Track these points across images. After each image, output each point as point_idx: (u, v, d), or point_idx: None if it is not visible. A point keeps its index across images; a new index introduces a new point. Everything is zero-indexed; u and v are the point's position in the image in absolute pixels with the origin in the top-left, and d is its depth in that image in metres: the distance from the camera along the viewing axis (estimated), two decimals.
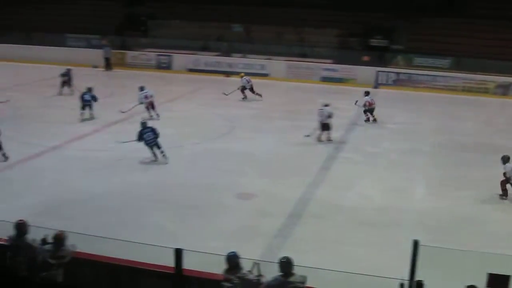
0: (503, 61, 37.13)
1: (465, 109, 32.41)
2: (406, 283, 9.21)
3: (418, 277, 9.20)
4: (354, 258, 13.26)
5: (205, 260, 10.21)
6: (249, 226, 15.37)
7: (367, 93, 28.22)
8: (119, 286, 10.75)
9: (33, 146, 21.91)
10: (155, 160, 20.87)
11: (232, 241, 13.76)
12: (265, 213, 16.25)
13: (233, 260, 9.65)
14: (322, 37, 43.91)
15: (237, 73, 36.06)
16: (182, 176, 19.40)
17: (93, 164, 20.29)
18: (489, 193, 18.08)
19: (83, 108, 26.60)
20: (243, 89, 32.68)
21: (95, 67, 41.85)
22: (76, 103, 27.04)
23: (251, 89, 32.74)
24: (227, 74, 39.68)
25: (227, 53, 43.49)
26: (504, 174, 17.82)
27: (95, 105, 26.89)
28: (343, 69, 39.84)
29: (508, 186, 17.86)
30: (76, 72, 33.56)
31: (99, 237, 10.89)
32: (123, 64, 43.52)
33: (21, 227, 10.40)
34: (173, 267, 9.77)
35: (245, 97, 32.69)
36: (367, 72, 39.06)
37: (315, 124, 23.98)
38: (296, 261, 9.39)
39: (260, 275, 9.57)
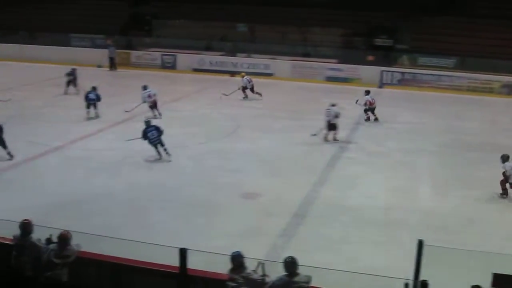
0: (508, 60, 37.15)
1: (470, 108, 32.36)
2: (411, 283, 9.19)
3: (423, 277, 9.18)
4: (359, 257, 13.26)
5: (210, 259, 10.21)
6: (253, 226, 15.37)
7: (367, 92, 28.20)
8: (123, 286, 10.75)
9: (38, 146, 21.94)
10: (159, 159, 20.92)
11: (236, 240, 13.75)
12: (269, 213, 16.24)
13: (237, 260, 9.65)
14: (327, 36, 43.95)
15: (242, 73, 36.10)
16: (187, 175, 19.41)
17: (97, 164, 20.32)
18: (494, 193, 18.04)
19: (88, 107, 26.74)
20: (244, 88, 32.72)
21: (100, 66, 41.90)
22: (81, 102, 27.10)
23: (251, 89, 32.79)
24: (232, 73, 39.67)
25: (231, 53, 43.47)
26: (504, 173, 17.82)
27: (99, 104, 26.97)
28: (347, 69, 39.85)
29: (507, 185, 17.88)
30: (81, 72, 33.58)
31: (103, 236, 10.90)
32: (127, 64, 43.55)
33: (26, 227, 10.41)
34: (178, 267, 9.77)
35: (246, 97, 32.75)
36: (371, 71, 39.06)
37: (320, 123, 23.98)
38: (300, 260, 9.38)
39: (264, 275, 9.57)
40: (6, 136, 20.50)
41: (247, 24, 45.68)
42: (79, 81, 32.36)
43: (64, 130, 24.28)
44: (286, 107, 30.96)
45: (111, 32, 44.96)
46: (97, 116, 26.85)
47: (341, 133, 24.10)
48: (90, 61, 41.65)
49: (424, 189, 18.71)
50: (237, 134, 25.10)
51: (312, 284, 9.36)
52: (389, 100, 33.68)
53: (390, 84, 38.59)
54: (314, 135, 23.69)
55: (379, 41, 41.75)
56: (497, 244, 13.77)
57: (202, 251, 9.80)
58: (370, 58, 40.54)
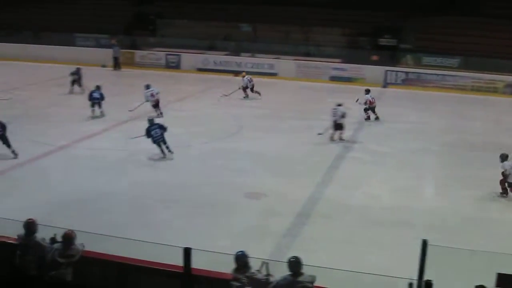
0: None
1: (474, 108, 32.32)
2: (415, 282, 9.19)
3: (427, 276, 9.18)
4: (363, 257, 13.25)
5: (214, 259, 10.22)
6: (258, 226, 15.38)
7: (367, 91, 28.19)
8: (127, 285, 10.76)
9: (43, 145, 21.97)
10: (163, 157, 20.98)
11: (241, 240, 13.79)
12: (274, 213, 16.25)
13: (241, 260, 9.65)
14: (331, 36, 43.90)
15: (247, 73, 36.10)
16: (191, 175, 19.42)
17: (102, 163, 20.34)
18: (498, 193, 18.03)
19: (92, 105, 26.91)
20: (244, 88, 32.76)
21: (104, 66, 41.95)
22: (86, 102, 27.19)
23: (251, 88, 32.86)
24: (236, 73, 39.66)
25: (236, 53, 43.47)
26: (503, 172, 17.82)
27: (103, 103, 27.10)
28: (352, 69, 39.84)
29: (506, 184, 17.90)
30: (85, 71, 33.63)
31: (107, 236, 10.92)
32: (132, 64, 43.56)
33: (30, 226, 10.43)
34: (182, 266, 9.78)
35: (246, 96, 32.80)
36: (376, 71, 39.01)
37: (324, 123, 24.05)
38: (305, 260, 9.38)
39: (268, 275, 9.57)
40: (11, 136, 20.58)
41: (251, 24, 45.66)
42: (84, 80, 32.42)
43: (69, 130, 24.32)
44: (290, 106, 30.97)
45: (116, 32, 44.95)
46: (102, 115, 27.01)
47: (345, 133, 24.07)
48: (94, 60, 41.70)
49: (428, 189, 18.73)
50: (241, 134, 25.11)
51: (317, 283, 9.36)
52: (393, 100, 33.73)
53: (394, 84, 38.56)
54: (320, 134, 23.70)
55: (383, 41, 41.71)
56: (501, 244, 13.75)
57: (206, 251, 9.80)
58: (374, 57, 40.51)
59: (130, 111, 26.95)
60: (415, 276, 9.31)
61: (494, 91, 36.99)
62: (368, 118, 27.60)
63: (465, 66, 38.32)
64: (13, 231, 10.73)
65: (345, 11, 42.85)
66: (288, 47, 42.95)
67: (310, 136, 24.08)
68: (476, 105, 33.27)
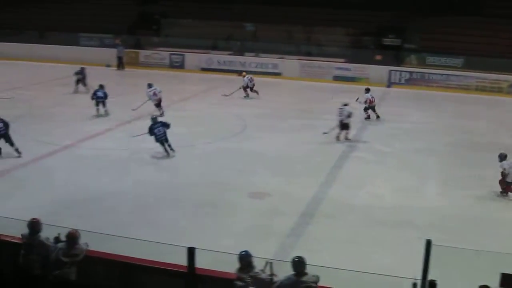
0: None
1: (478, 108, 32.26)
2: (419, 282, 9.18)
3: (431, 276, 9.17)
4: (367, 257, 13.25)
5: (218, 259, 10.22)
6: (261, 225, 15.38)
7: (367, 90, 28.20)
8: (131, 285, 10.77)
9: (47, 145, 22.00)
10: (167, 156, 21.06)
11: (244, 240, 13.80)
12: (277, 212, 16.25)
13: (245, 259, 9.65)
14: (335, 36, 43.87)
15: (251, 72, 36.13)
16: (195, 175, 19.42)
17: (105, 163, 20.37)
18: (502, 193, 18.02)
19: (97, 104, 27.05)
20: (245, 88, 32.78)
21: (108, 66, 42.01)
22: (90, 101, 27.26)
23: (251, 88, 32.90)
24: (240, 73, 39.63)
25: (240, 52, 43.47)
26: (502, 172, 17.82)
27: (107, 102, 27.19)
28: (355, 68, 39.84)
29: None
30: (89, 71, 33.65)
31: (111, 235, 10.94)
32: (136, 63, 43.61)
33: (34, 226, 10.45)
34: (186, 266, 9.78)
35: (247, 96, 32.87)
36: (380, 71, 39.02)
37: (328, 122, 24.05)
38: (308, 260, 9.38)
39: (272, 274, 9.57)
40: (15, 135, 20.65)
41: (255, 24, 45.63)
42: (88, 80, 32.45)
43: (73, 129, 24.35)
44: (294, 106, 30.97)
45: (120, 32, 45.02)
46: (106, 114, 27.15)
47: (351, 133, 24.06)
48: (98, 60, 41.76)
49: (432, 189, 18.68)
50: (245, 133, 25.09)
51: (320, 283, 9.36)
52: (397, 100, 33.73)
53: (398, 84, 38.57)
54: (326, 133, 23.68)
55: (387, 41, 41.65)
56: (505, 244, 13.72)
57: (210, 250, 9.81)
58: (378, 57, 40.48)
59: (133, 110, 27.04)
60: (419, 276, 9.31)
61: (499, 91, 36.94)
62: (368, 117, 27.58)
63: (469, 66, 38.26)
64: (17, 231, 10.75)
65: (349, 11, 42.84)
66: (292, 47, 42.98)
67: (314, 135, 24.09)
68: (480, 105, 33.21)
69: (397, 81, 38.77)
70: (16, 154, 20.39)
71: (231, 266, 9.77)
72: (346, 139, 23.76)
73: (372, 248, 13.98)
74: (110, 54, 42.31)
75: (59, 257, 10.13)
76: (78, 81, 32.58)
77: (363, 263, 12.16)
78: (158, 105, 27.40)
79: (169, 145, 21.16)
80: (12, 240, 10.93)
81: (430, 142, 24.02)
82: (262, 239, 14.21)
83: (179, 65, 43.26)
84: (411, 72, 38.87)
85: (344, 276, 9.84)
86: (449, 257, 10.32)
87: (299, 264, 9.33)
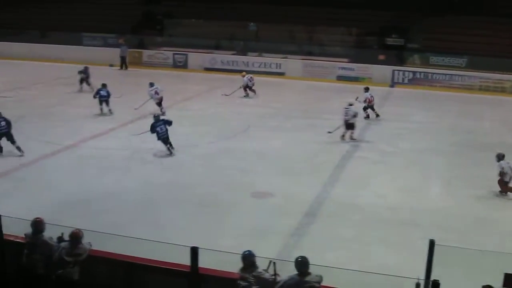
0: None
1: (482, 108, 32.21)
2: (422, 282, 9.17)
3: (434, 276, 9.16)
4: (370, 257, 13.27)
5: (221, 258, 10.22)
6: (265, 225, 15.35)
7: (367, 89, 28.25)
8: (134, 284, 10.77)
9: (49, 145, 22.01)
10: (169, 154, 21.17)
11: (247, 239, 13.79)
12: (281, 212, 16.25)
13: (248, 259, 9.64)
14: (338, 36, 43.90)
15: (254, 72, 36.14)
16: (198, 175, 19.43)
17: (108, 163, 20.38)
18: (501, 193, 18.00)
19: (100, 103, 27.21)
20: (245, 87, 32.81)
21: (112, 66, 42.06)
22: (93, 101, 27.33)
23: (251, 87, 32.96)
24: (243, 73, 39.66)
25: (243, 52, 43.46)
26: (500, 172, 17.84)
27: (110, 102, 27.26)
28: (359, 68, 39.83)
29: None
30: (93, 71, 33.68)
31: (114, 235, 10.93)
32: (139, 63, 43.65)
33: (37, 225, 10.46)
34: (189, 266, 9.78)
35: (246, 95, 32.91)
36: (383, 71, 39.00)
37: (330, 122, 24.07)
38: (311, 260, 9.37)
39: (275, 274, 9.55)
40: (18, 135, 20.74)
41: (259, 24, 45.64)
42: (91, 79, 32.48)
43: (76, 129, 24.37)
44: (297, 106, 30.96)
45: (123, 31, 45.07)
46: (110, 113, 27.21)
47: (355, 133, 24.07)
48: (102, 60, 41.83)
49: (435, 189, 18.67)
50: (248, 133, 25.09)
51: (324, 283, 9.34)
52: (401, 100, 33.71)
53: (402, 84, 38.53)
54: (330, 132, 23.65)
55: (390, 41, 41.64)
56: (508, 244, 13.73)
57: (213, 250, 9.80)
58: (381, 57, 40.46)
59: (135, 109, 27.10)
60: (422, 275, 9.29)
61: (502, 90, 36.90)
62: (367, 116, 27.55)
63: (472, 66, 38.22)
64: (21, 230, 10.76)
65: (353, 11, 42.88)
66: (295, 47, 43.01)
67: (317, 135, 24.09)
68: (483, 105, 33.16)
69: (400, 81, 38.74)
70: (18, 152, 20.45)
71: (234, 266, 9.76)
72: (351, 138, 23.74)
73: (375, 248, 13.99)
74: (114, 53, 42.38)
75: (62, 256, 10.15)
76: (82, 80, 32.68)
77: (366, 262, 12.18)
78: (160, 104, 27.46)
79: (170, 143, 21.21)
80: (16, 240, 10.94)
81: (433, 142, 24.01)
82: (265, 239, 14.20)
83: (183, 65, 43.29)
84: (414, 72, 38.83)
85: (347, 276, 9.84)
86: (453, 257, 10.31)
87: (302, 264, 9.32)
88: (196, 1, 46.52)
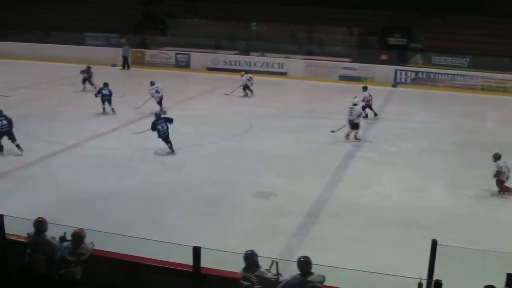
0: None
1: (484, 108, 32.17)
2: (425, 282, 9.17)
3: (436, 276, 9.16)
4: (372, 257, 13.24)
5: (223, 258, 10.22)
6: (267, 225, 15.37)
7: (365, 88, 28.26)
8: (137, 284, 10.78)
9: (52, 144, 22.03)
10: (170, 152, 21.29)
11: (250, 239, 13.79)
12: (283, 212, 16.24)
13: (251, 259, 9.63)
14: (340, 35, 43.93)
15: (256, 72, 36.15)
16: (200, 174, 19.42)
17: (110, 162, 20.39)
18: (504, 194, 17.98)
19: (103, 102, 27.29)
20: (245, 87, 32.83)
21: (114, 65, 42.11)
22: (96, 101, 27.34)
23: (249, 87, 33.00)
24: (246, 73, 39.61)
25: (245, 52, 43.46)
26: (497, 171, 17.86)
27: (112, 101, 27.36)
28: (361, 68, 39.81)
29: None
30: (95, 70, 33.68)
31: (117, 234, 10.95)
32: (142, 63, 43.68)
33: (40, 225, 10.47)
34: (191, 265, 9.79)
35: (246, 95, 32.96)
36: (385, 70, 39.01)
37: (333, 122, 24.07)
38: (314, 260, 9.36)
39: (278, 274, 9.55)
40: (21, 135, 20.85)
41: (261, 23, 45.65)
42: (94, 79, 32.51)
43: (78, 129, 24.39)
44: (299, 106, 30.97)
45: (125, 31, 45.11)
46: (113, 112, 27.35)
47: (360, 133, 24.07)
48: (104, 60, 41.89)
49: (438, 189, 18.65)
50: (250, 133, 25.09)
51: (326, 283, 9.34)
52: (403, 99, 33.69)
53: (404, 83, 38.51)
54: (333, 132, 23.63)
55: (393, 40, 41.62)
56: (511, 244, 13.69)
57: (216, 250, 9.81)
58: (384, 57, 40.45)
59: (136, 108, 27.16)
60: (424, 275, 9.29)
61: (504, 90, 36.87)
62: (366, 116, 27.48)
63: (475, 66, 38.22)
64: (23, 230, 10.78)
65: (355, 10, 42.90)
66: (297, 47, 43.01)
67: (319, 135, 24.09)
68: (486, 104, 33.12)
69: (403, 81, 38.73)
70: (17, 151, 20.52)
71: (236, 266, 9.77)
72: (356, 138, 23.74)
73: (378, 248, 13.97)
74: (116, 53, 42.43)
75: (64, 256, 10.15)
76: (84, 80, 32.73)
77: (369, 262, 12.15)
78: (160, 102, 27.59)
79: (170, 143, 21.27)
80: (18, 239, 10.96)
81: (436, 142, 24.00)
82: (267, 239, 14.20)
83: (185, 65, 43.31)
84: (416, 72, 38.83)
85: (350, 276, 9.84)
86: (455, 257, 10.32)
87: (304, 264, 9.32)
88: (198, 0, 46.52)
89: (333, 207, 16.77)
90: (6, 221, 10.69)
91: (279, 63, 41.40)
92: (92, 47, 45.11)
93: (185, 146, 21.77)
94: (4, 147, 20.72)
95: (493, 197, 17.89)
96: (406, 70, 39.05)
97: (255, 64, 41.28)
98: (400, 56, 40.43)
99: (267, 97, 32.66)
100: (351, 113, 23.61)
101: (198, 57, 43.24)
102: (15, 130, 20.73)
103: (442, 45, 39.81)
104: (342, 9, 43.03)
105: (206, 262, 9.83)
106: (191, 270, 9.84)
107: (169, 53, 44.02)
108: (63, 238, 10.46)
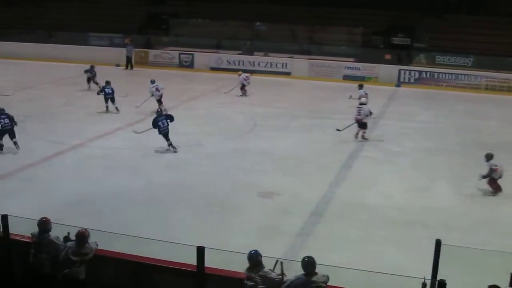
0: None
1: (488, 107, 32.12)
2: (429, 282, 9.16)
3: (440, 276, 9.15)
4: (376, 257, 13.24)
5: (227, 258, 10.22)
6: (271, 225, 15.37)
7: (360, 86, 28.33)
8: (141, 284, 10.78)
9: (56, 144, 22.05)
10: (169, 150, 21.37)
11: (254, 239, 13.80)
12: (287, 212, 16.25)
13: (255, 259, 9.64)
14: (344, 35, 43.93)
15: (260, 72, 36.14)
16: (204, 174, 19.43)
17: (114, 162, 20.40)
18: (510, 194, 17.97)
19: (106, 101, 27.47)
20: (242, 86, 32.89)
21: (118, 65, 42.15)
22: (99, 101, 27.42)
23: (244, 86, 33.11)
24: (250, 73, 39.55)
25: (249, 52, 43.46)
26: (491, 169, 17.85)
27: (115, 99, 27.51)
28: (365, 68, 39.72)
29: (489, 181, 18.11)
30: (99, 70, 33.69)
31: (120, 234, 10.96)
32: (145, 63, 43.64)
33: (44, 225, 10.50)
34: (195, 265, 9.79)
35: (242, 94, 32.98)
36: (389, 70, 38.93)
37: (337, 122, 24.07)
38: (318, 260, 9.37)
39: (282, 273, 9.56)
40: (25, 135, 21.02)
41: (265, 23, 45.66)
42: (97, 79, 32.54)
43: (82, 129, 24.40)
44: (303, 106, 30.93)
45: (129, 31, 45.13)
46: (117, 110, 27.48)
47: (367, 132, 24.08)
48: (108, 60, 41.91)
49: (442, 189, 18.61)
50: (254, 133, 25.09)
51: (330, 283, 9.35)
52: (407, 99, 33.62)
53: (408, 83, 38.40)
54: (339, 130, 23.62)
55: (396, 40, 41.61)
56: None
57: (220, 250, 9.81)
58: (388, 56, 40.42)
59: (137, 107, 27.28)
60: (428, 275, 9.29)
61: (508, 90, 36.77)
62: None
63: (478, 65, 38.14)
64: (27, 230, 10.80)
65: (359, 10, 42.84)
66: (301, 47, 43.02)
67: (323, 135, 24.10)
68: (489, 104, 33.07)
69: (407, 80, 38.61)
70: (14, 148, 20.74)
71: (240, 266, 9.77)
72: (363, 138, 23.73)
73: (382, 248, 13.97)
74: (120, 53, 42.47)
75: (68, 256, 10.18)
76: (89, 79, 32.77)
77: (373, 262, 12.16)
78: (160, 100, 27.71)
79: (171, 144, 21.32)
80: (22, 239, 10.98)
81: (439, 142, 23.98)
82: (271, 239, 14.20)
83: (189, 65, 43.28)
84: (420, 71, 38.72)
85: (354, 276, 9.82)
86: (459, 256, 10.30)
87: (309, 264, 9.33)
88: (201, 1, 46.55)
89: (337, 207, 16.77)
90: (11, 221, 10.69)
91: (282, 63, 41.33)
92: (96, 47, 45.08)
93: (189, 146, 21.77)
94: (4, 146, 20.80)
95: (497, 196, 17.85)
96: (410, 70, 38.95)
97: (258, 64, 41.26)
98: (403, 56, 40.35)
99: (271, 97, 32.66)
100: (359, 112, 23.60)
101: (202, 57, 43.20)
102: (19, 130, 20.78)
103: (446, 44, 39.75)
104: (346, 9, 43.01)
105: (211, 262, 9.83)
106: (195, 270, 9.84)
107: (173, 53, 44.00)
108: (67, 238, 10.49)
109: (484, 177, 17.96)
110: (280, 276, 9.51)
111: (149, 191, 17.68)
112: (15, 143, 20.71)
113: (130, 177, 18.90)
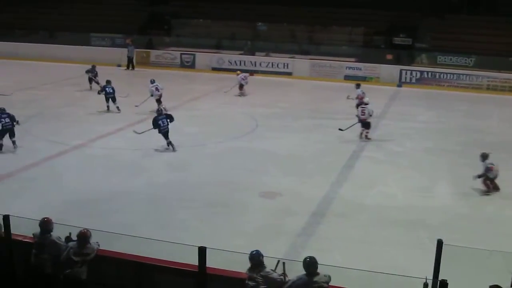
0: None
1: (489, 107, 32.12)
2: (430, 282, 9.16)
3: (441, 276, 9.15)
4: (378, 256, 13.23)
5: (229, 258, 10.22)
6: (273, 225, 15.37)
7: (358, 86, 28.39)
8: (142, 284, 10.78)
9: (58, 145, 22.04)
10: (171, 150, 21.39)
11: (256, 239, 13.80)
12: (289, 212, 16.24)
13: (256, 259, 9.64)
14: (345, 35, 43.93)
15: (261, 72, 36.12)
16: (205, 174, 19.41)
17: (116, 163, 20.39)
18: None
19: (107, 100, 27.53)
20: (240, 86, 32.94)
21: (120, 66, 42.19)
22: (101, 102, 27.44)
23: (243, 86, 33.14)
24: (251, 73, 39.60)
25: (250, 52, 43.47)
26: (486, 168, 17.90)
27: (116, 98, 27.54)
28: (366, 68, 39.74)
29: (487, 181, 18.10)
30: (100, 71, 33.72)
31: (122, 234, 10.96)
32: (147, 63, 43.67)
33: (46, 225, 10.50)
34: (197, 265, 9.79)
35: (241, 94, 33.06)
36: (390, 70, 38.95)
37: (339, 122, 24.04)
38: (320, 260, 9.36)
39: (283, 274, 9.56)
40: (27, 135, 21.05)
41: (266, 24, 45.69)
42: (98, 79, 32.56)
43: (84, 129, 24.41)
44: (305, 106, 30.95)
45: (131, 32, 45.19)
46: (118, 110, 27.54)
47: (359, 132, 24.06)
48: (109, 60, 41.94)
49: (443, 189, 18.60)
50: (256, 133, 25.09)
51: (332, 283, 9.35)
52: (408, 99, 33.61)
53: (409, 83, 38.42)
54: (341, 130, 23.62)
55: (398, 40, 41.62)
56: None
57: (221, 250, 9.81)
58: (389, 57, 40.43)
59: (136, 106, 27.37)
60: (430, 275, 9.29)
61: (510, 90, 36.78)
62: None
63: (480, 65, 38.17)
64: (29, 230, 10.80)
65: (360, 10, 42.86)
66: (302, 47, 43.04)
67: (325, 135, 24.09)
68: (491, 104, 33.06)
69: (408, 81, 38.64)
70: (12, 147, 20.86)
71: (242, 266, 9.77)
72: (366, 138, 23.74)
73: (383, 248, 13.97)
74: (122, 54, 42.52)
75: (70, 256, 10.18)
76: (90, 79, 32.79)
77: (374, 262, 12.15)
78: (159, 100, 27.74)
79: (171, 143, 21.36)
80: (24, 240, 10.98)
81: (441, 142, 23.97)
82: (273, 239, 14.20)
83: (190, 65, 43.31)
84: (422, 72, 38.75)
85: (356, 276, 9.84)
86: (461, 256, 10.30)
87: (310, 264, 9.32)
88: (203, 1, 46.56)
89: (338, 207, 16.76)
90: (12, 222, 10.69)
91: (284, 63, 41.35)
92: (97, 47, 45.14)
93: (190, 146, 21.77)
94: (3, 145, 20.84)
95: (498, 196, 17.85)
96: (412, 70, 38.96)
97: (260, 64, 41.34)
98: (405, 56, 40.37)
99: (273, 97, 32.67)
100: (363, 112, 23.62)
101: (203, 57, 43.24)
102: (21, 130, 20.79)
103: (447, 44, 39.78)
104: (347, 9, 43.04)
105: (212, 262, 9.83)
106: (196, 270, 9.84)
107: (174, 54, 44.04)
108: (68, 238, 10.49)
109: (479, 176, 17.98)
110: (281, 277, 9.52)
111: (151, 191, 17.68)
112: (13, 142, 20.80)
113: (132, 177, 18.91)
